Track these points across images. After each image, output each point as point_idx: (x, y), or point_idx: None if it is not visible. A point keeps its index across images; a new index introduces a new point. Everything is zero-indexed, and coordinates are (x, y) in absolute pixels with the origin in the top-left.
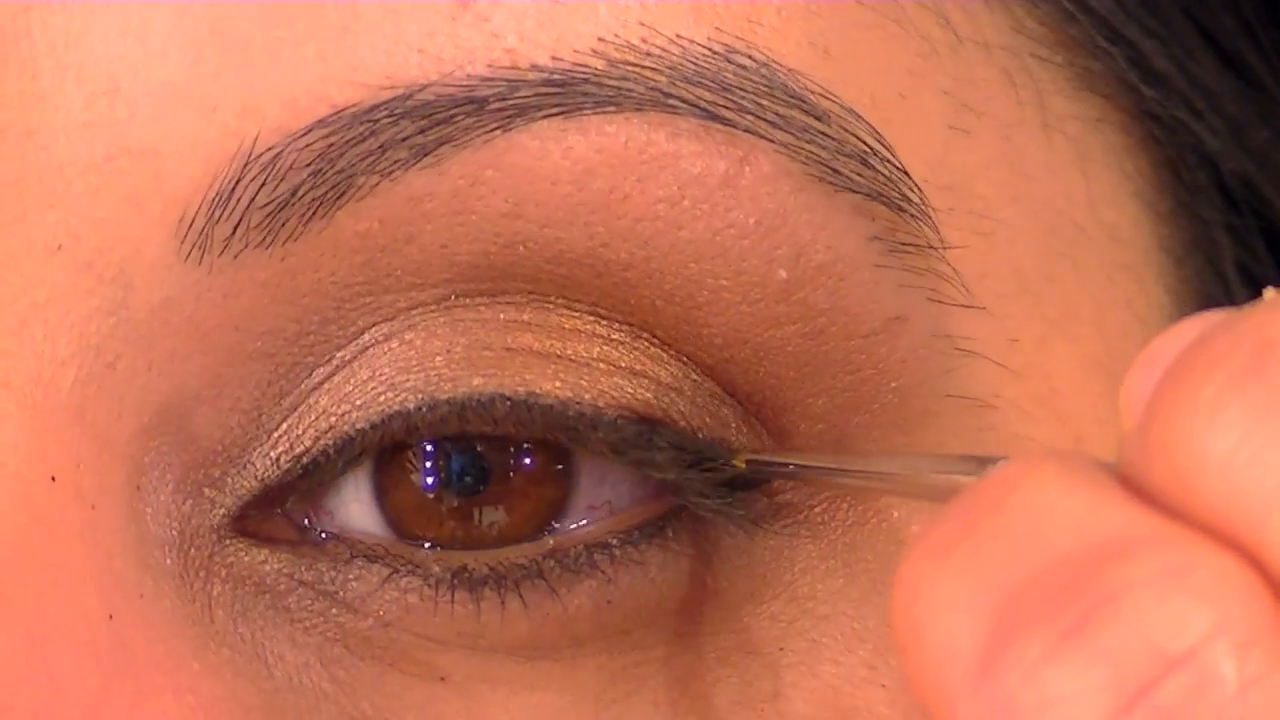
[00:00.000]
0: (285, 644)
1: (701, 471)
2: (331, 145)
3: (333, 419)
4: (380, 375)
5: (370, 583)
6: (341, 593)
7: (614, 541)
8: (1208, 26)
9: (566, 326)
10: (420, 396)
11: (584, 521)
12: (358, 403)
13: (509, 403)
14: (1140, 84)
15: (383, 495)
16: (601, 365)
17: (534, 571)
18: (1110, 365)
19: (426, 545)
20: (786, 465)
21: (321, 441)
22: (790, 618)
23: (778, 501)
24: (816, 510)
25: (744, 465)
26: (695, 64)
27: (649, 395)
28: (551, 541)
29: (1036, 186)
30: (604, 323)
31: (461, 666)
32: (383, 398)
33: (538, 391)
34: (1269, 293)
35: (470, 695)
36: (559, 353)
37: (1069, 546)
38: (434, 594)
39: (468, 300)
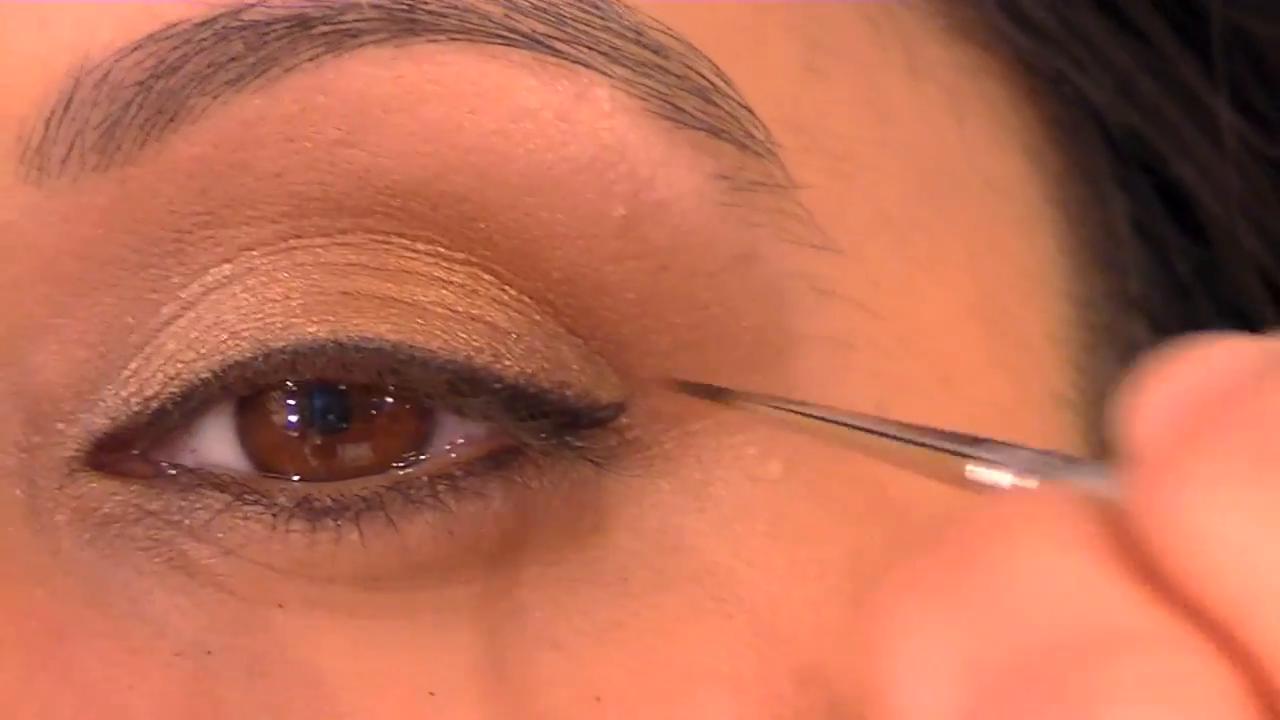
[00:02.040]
0: (130, 571)
1: (524, 419)
2: (161, 63)
3: (179, 365)
4: (223, 322)
5: (213, 510)
6: (187, 521)
7: (458, 474)
8: None
9: (405, 269)
10: (256, 345)
11: (444, 452)
12: (201, 350)
13: (339, 347)
14: (1016, 33)
15: (245, 434)
16: (438, 310)
17: (375, 503)
18: (987, 312)
19: (290, 479)
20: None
21: (169, 388)
22: (636, 550)
23: (628, 438)
24: (668, 447)
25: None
26: None
27: (481, 341)
28: (397, 475)
29: (902, 131)
30: (444, 264)
31: (300, 594)
32: (223, 345)
33: (369, 335)
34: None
35: (307, 622)
36: (395, 295)
37: (1058, 630)
38: (273, 522)
39: (307, 241)
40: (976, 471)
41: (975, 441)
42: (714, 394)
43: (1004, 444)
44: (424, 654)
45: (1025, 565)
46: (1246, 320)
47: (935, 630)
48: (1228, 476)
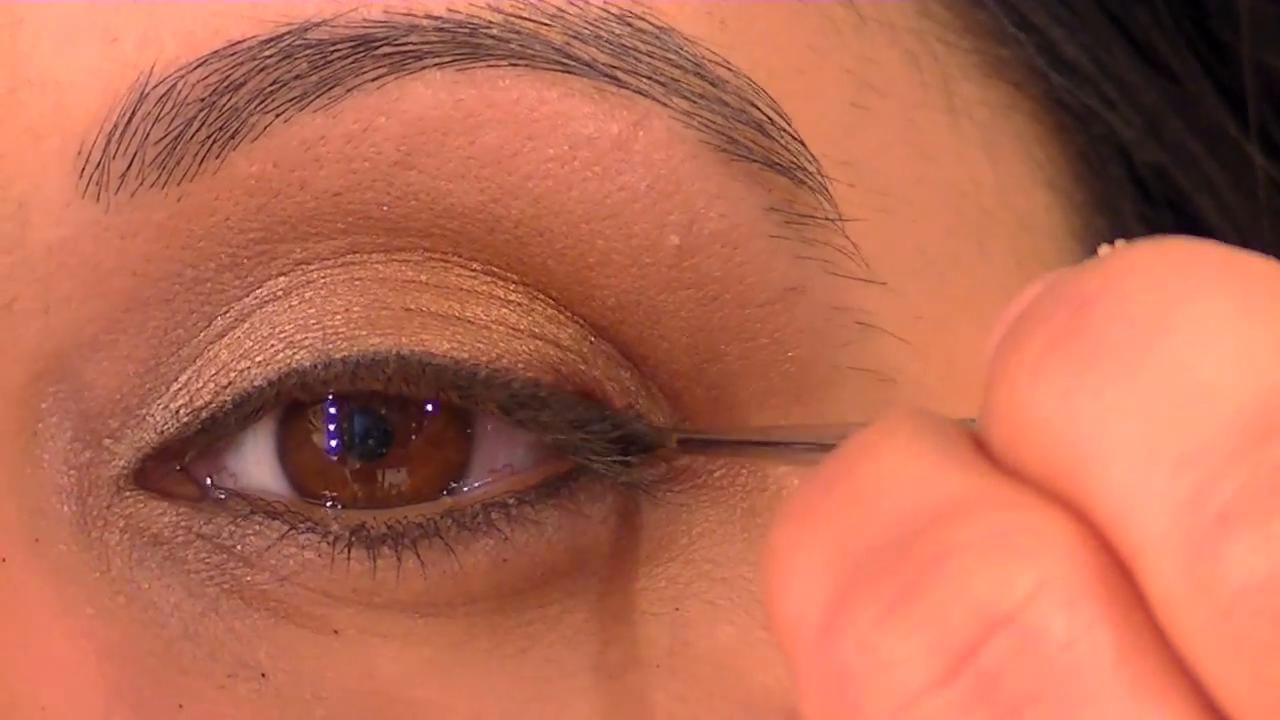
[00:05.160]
0: (182, 593)
1: (590, 433)
2: (225, 80)
3: (232, 374)
4: (280, 332)
5: (268, 538)
6: (239, 546)
7: (511, 501)
8: (1120, 16)
9: (464, 288)
10: (316, 354)
11: (488, 480)
12: (257, 359)
13: (402, 360)
14: (1049, 72)
15: (285, 457)
16: (499, 328)
17: (431, 530)
18: None
19: (328, 504)
20: (717, 442)
21: (220, 397)
22: (687, 580)
23: (676, 466)
24: (716, 475)
25: (674, 444)
26: (592, 25)
27: (550, 358)
28: (450, 501)
29: (941, 169)
30: (500, 284)
31: (355, 621)
32: (280, 355)
33: (433, 351)
34: (1103, 249)
35: (362, 648)
36: (457, 314)
37: (904, 509)
38: (331, 550)
39: (364, 256)
40: None
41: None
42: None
43: None
44: (479, 681)
45: (879, 468)
46: None
47: (808, 537)
48: (1035, 363)
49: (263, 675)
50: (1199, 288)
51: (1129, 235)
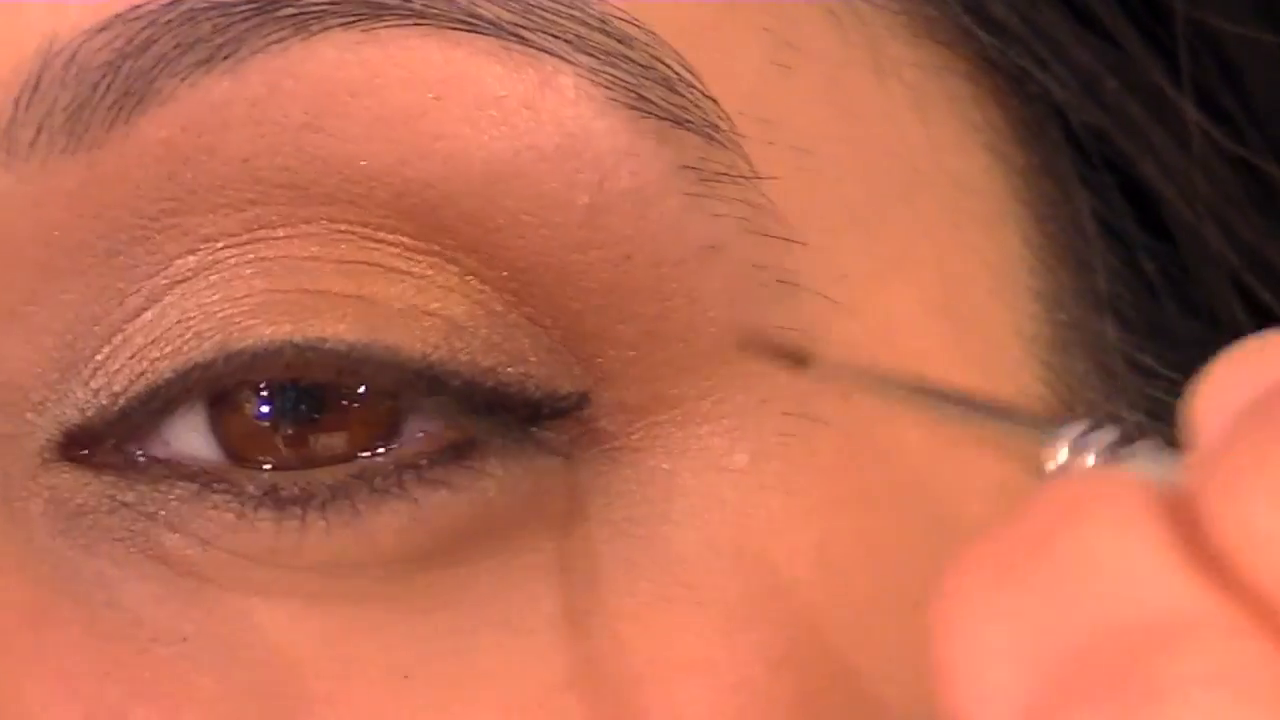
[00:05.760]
0: (105, 561)
1: (484, 415)
2: (129, 43)
3: (145, 363)
4: (188, 319)
5: (189, 502)
6: (162, 512)
7: (423, 463)
8: None
9: (367, 260)
10: (217, 347)
11: (401, 443)
12: (166, 349)
13: (296, 349)
14: (978, 31)
15: (217, 425)
16: (396, 305)
17: (341, 492)
18: (956, 309)
19: (265, 470)
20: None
21: (135, 386)
22: (606, 538)
23: (593, 429)
24: (634, 438)
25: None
26: None
27: (438, 337)
28: (362, 463)
29: (867, 128)
30: (405, 255)
31: (275, 582)
32: (186, 346)
33: (325, 335)
34: None
35: (283, 609)
36: (354, 292)
37: (1119, 615)
38: (241, 510)
39: (270, 231)
40: (1052, 449)
41: (1042, 419)
42: (794, 359)
43: (1069, 420)
44: (398, 640)
45: (1091, 551)
46: (1214, 319)
47: (1003, 615)
48: None
49: (184, 639)
50: None
51: (1071, 198)
